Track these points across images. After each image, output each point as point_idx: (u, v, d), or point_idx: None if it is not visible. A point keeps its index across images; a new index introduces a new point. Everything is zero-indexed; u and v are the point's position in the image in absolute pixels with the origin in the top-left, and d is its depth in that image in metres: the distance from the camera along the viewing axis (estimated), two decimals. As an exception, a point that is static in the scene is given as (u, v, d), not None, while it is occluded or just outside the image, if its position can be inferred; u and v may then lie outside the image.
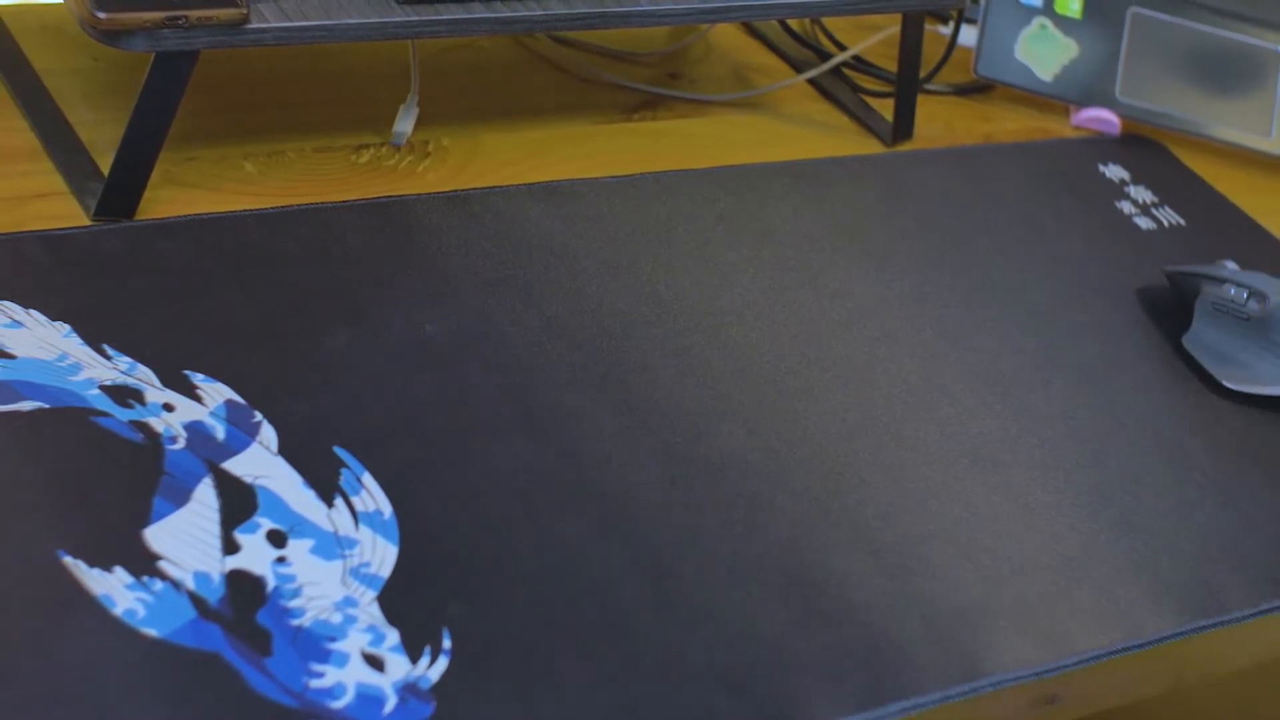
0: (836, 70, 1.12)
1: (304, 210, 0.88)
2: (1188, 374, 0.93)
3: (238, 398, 0.75)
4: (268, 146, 0.93)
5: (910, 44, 1.04)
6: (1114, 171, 1.08)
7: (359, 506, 0.72)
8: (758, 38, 1.15)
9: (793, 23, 1.15)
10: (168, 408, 0.74)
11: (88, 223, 0.84)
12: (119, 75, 0.94)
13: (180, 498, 0.70)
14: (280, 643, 0.66)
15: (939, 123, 1.11)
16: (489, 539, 0.73)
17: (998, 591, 0.77)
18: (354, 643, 0.67)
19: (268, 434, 0.74)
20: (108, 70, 0.94)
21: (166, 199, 0.87)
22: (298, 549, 0.70)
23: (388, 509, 0.73)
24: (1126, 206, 1.05)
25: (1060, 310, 0.95)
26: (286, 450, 0.74)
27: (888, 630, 0.74)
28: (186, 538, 0.69)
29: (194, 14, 0.80)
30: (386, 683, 0.66)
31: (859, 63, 1.13)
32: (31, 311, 0.77)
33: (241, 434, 0.74)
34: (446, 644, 0.68)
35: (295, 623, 0.67)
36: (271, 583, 0.68)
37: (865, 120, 1.08)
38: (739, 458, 0.80)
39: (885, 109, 1.08)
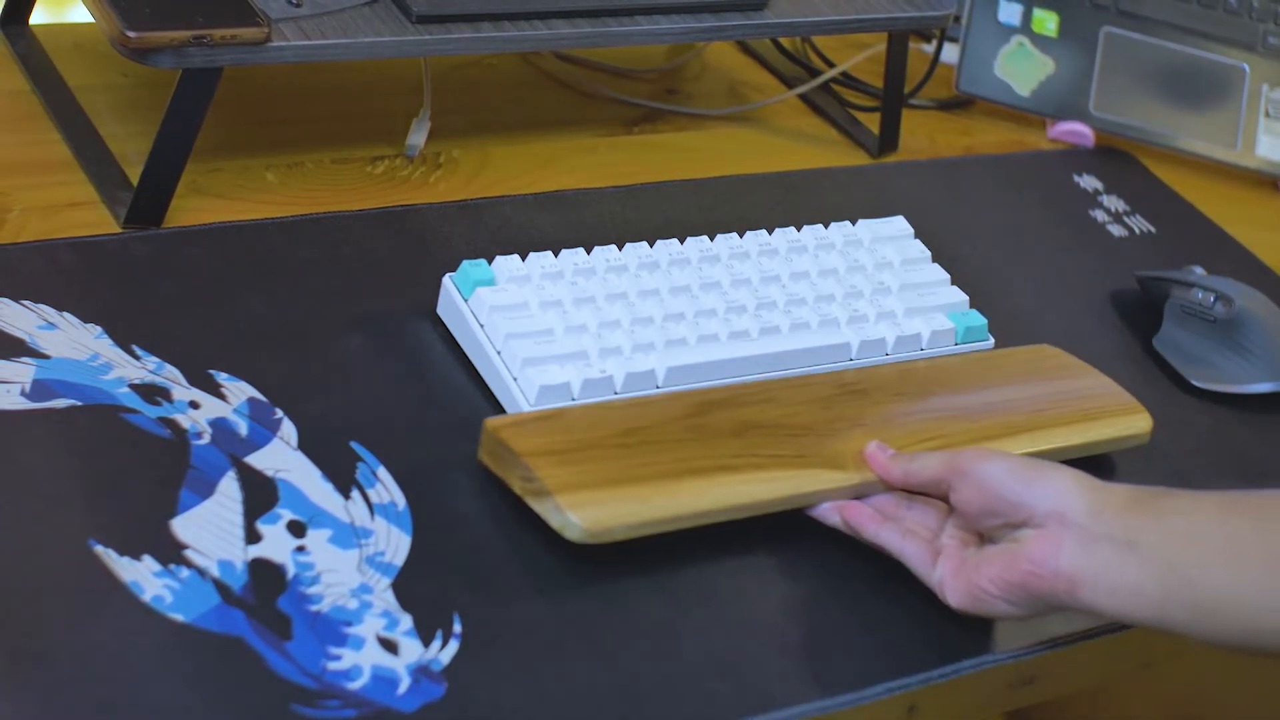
0: (826, 86, 1.12)
1: (322, 218, 0.88)
2: (1158, 373, 0.93)
3: (260, 395, 0.76)
4: (288, 158, 0.93)
5: (895, 61, 1.04)
6: (1088, 182, 1.08)
7: (374, 498, 0.73)
8: (751, 55, 1.15)
9: (784, 41, 1.15)
10: (194, 405, 0.74)
11: (118, 230, 0.84)
12: (147, 91, 0.94)
13: (205, 490, 0.71)
14: (300, 627, 0.66)
15: (922, 136, 1.11)
16: (497, 529, 0.73)
17: (978, 579, 0.77)
18: (369, 627, 0.67)
19: (288, 430, 0.74)
20: (137, 86, 0.94)
21: (192, 207, 0.87)
22: (316, 538, 0.70)
23: (401, 501, 0.73)
24: (1100, 215, 1.05)
25: (1037, 312, 0.95)
26: (306, 445, 0.74)
27: (873, 614, 0.74)
28: (211, 528, 0.69)
29: (218, 33, 0.80)
30: (400, 665, 0.66)
31: (847, 79, 1.13)
32: (65, 314, 0.77)
33: (263, 430, 0.74)
34: (457, 628, 0.68)
35: (314, 608, 0.67)
36: (291, 570, 0.68)
37: (853, 133, 1.09)
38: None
39: (872, 123, 1.08)
